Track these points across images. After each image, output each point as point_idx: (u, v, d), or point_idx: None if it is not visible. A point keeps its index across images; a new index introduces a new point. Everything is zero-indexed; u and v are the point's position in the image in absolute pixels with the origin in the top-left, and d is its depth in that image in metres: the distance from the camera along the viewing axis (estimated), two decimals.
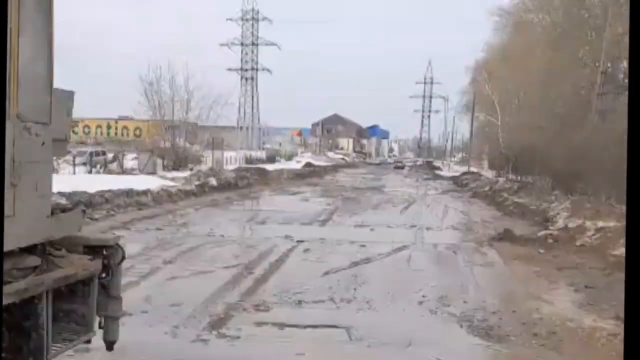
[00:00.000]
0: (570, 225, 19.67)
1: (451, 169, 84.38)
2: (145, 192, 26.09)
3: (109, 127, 76.83)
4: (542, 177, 37.92)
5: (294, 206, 27.92)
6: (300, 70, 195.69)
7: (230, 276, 12.54)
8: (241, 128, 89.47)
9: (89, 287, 5.61)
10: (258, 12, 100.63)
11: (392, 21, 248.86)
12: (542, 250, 16.88)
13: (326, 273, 13.23)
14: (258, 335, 8.95)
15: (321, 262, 14.63)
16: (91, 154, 43.94)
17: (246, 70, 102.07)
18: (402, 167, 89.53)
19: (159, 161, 43.61)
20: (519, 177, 45.11)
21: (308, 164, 64.69)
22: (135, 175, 34.77)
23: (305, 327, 9.43)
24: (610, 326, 9.42)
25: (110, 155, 45.50)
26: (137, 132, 66.73)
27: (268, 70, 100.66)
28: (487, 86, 55.67)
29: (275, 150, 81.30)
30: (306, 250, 16.10)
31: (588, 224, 19.04)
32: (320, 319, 9.80)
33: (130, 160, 44.75)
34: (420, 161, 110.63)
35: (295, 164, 64.09)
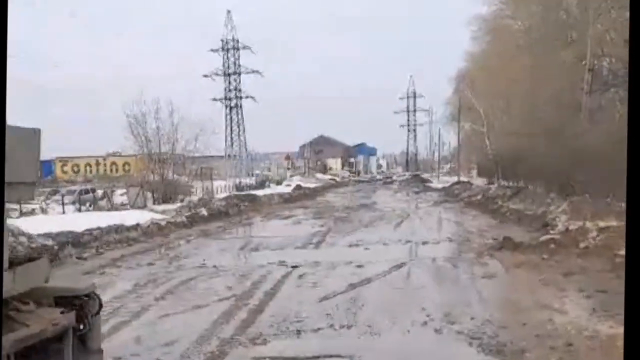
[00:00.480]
0: (571, 227, 19.20)
1: (441, 180, 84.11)
2: (135, 227, 25.54)
3: (97, 164, 76.65)
4: (535, 181, 37.52)
5: (286, 230, 27.34)
6: (283, 95, 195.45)
7: (224, 309, 11.96)
8: (229, 156, 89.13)
9: (63, 343, 5.06)
10: (238, 41, 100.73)
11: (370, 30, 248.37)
12: (545, 256, 16.35)
13: (324, 298, 12.66)
14: None
15: (317, 287, 14.03)
16: (80, 192, 43.57)
17: (230, 99, 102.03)
18: (392, 182, 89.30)
19: (149, 194, 43.26)
20: (510, 183, 44.76)
21: (298, 187, 64.25)
22: (126, 211, 34.25)
23: (307, 358, 8.90)
24: None
25: (99, 192, 45.12)
26: (126, 167, 66.46)
27: (252, 97, 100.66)
28: (470, 95, 55.40)
29: (265, 176, 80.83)
30: (301, 276, 15.48)
31: (589, 225, 18.57)
32: (321, 349, 9.24)
33: (119, 196, 44.41)
34: (407, 175, 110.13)
35: (285, 188, 63.54)
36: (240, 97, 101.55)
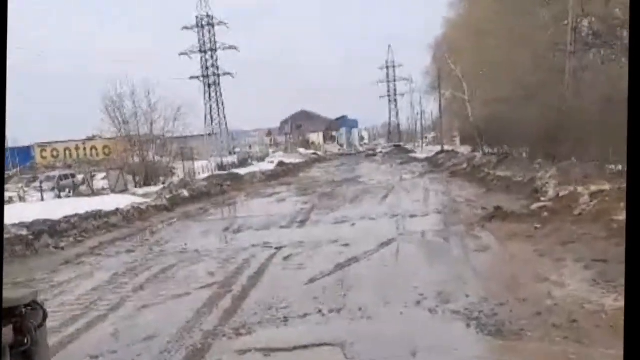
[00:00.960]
0: (562, 193, 18.68)
1: (424, 150, 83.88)
2: (114, 213, 24.81)
3: (77, 148, 75.37)
4: (520, 147, 37.07)
5: (270, 209, 26.73)
6: (261, 70, 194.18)
7: (206, 297, 11.36)
8: (210, 135, 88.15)
9: None
10: (213, 18, 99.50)
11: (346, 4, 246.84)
12: (538, 225, 15.75)
13: (310, 281, 12.08)
14: None
15: (303, 268, 13.43)
16: (60, 177, 42.78)
17: (208, 76, 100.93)
18: (375, 155, 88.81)
19: (130, 178, 42.59)
20: (495, 150, 44.31)
21: (281, 163, 63.66)
22: (106, 195, 33.50)
23: (294, 348, 8.32)
24: None
25: (80, 177, 44.35)
26: (106, 150, 65.29)
27: (230, 74, 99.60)
28: (450, 62, 54.72)
29: (247, 153, 80.00)
30: (287, 258, 14.86)
31: (580, 189, 18.05)
32: (310, 336, 8.68)
33: (100, 180, 43.70)
34: (390, 146, 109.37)
35: (268, 165, 62.90)
36: (218, 75, 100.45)
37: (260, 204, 29.96)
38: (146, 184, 42.07)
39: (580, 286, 9.96)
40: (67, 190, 39.78)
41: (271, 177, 50.34)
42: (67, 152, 74.75)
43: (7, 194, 32.72)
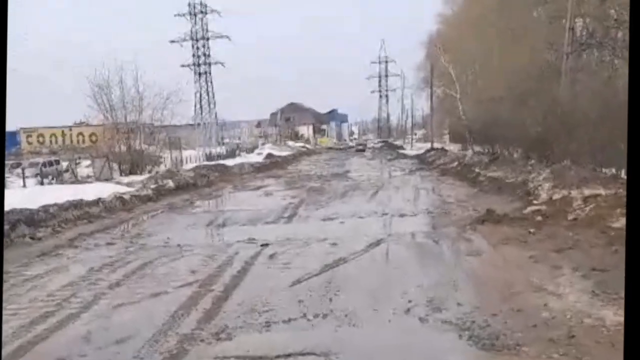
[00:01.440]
0: (556, 197, 18.22)
1: (414, 146, 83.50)
2: (96, 202, 24.21)
3: (63, 134, 74.54)
4: (511, 147, 36.66)
5: (256, 203, 26.16)
6: (253, 61, 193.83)
7: (185, 297, 10.82)
8: (198, 124, 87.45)
9: None
10: (206, 6, 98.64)
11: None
12: (532, 230, 15.27)
13: (296, 282, 11.55)
14: None
15: (289, 268, 12.88)
16: (43, 164, 42.08)
17: (199, 65, 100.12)
18: (364, 150, 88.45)
19: (115, 166, 42.01)
20: (485, 149, 43.93)
21: (269, 155, 63.27)
22: (90, 184, 32.93)
23: (276, 357, 7.81)
24: None
25: (64, 164, 43.70)
26: (93, 137, 64.54)
27: (221, 63, 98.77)
28: (442, 59, 54.33)
29: (236, 145, 79.38)
30: (272, 256, 14.29)
31: (575, 193, 17.61)
32: (294, 344, 8.15)
33: (85, 168, 43.09)
34: (379, 142, 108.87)
35: (257, 157, 62.51)
36: (209, 64, 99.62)
37: (247, 197, 29.38)
38: (132, 172, 41.56)
39: (578, 297, 9.46)
40: (50, 177, 39.09)
41: (259, 169, 49.97)
42: (53, 138, 73.96)
43: None
